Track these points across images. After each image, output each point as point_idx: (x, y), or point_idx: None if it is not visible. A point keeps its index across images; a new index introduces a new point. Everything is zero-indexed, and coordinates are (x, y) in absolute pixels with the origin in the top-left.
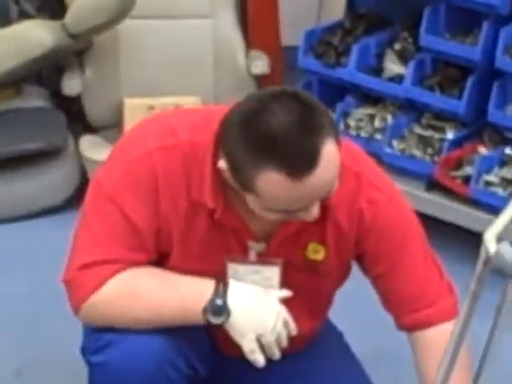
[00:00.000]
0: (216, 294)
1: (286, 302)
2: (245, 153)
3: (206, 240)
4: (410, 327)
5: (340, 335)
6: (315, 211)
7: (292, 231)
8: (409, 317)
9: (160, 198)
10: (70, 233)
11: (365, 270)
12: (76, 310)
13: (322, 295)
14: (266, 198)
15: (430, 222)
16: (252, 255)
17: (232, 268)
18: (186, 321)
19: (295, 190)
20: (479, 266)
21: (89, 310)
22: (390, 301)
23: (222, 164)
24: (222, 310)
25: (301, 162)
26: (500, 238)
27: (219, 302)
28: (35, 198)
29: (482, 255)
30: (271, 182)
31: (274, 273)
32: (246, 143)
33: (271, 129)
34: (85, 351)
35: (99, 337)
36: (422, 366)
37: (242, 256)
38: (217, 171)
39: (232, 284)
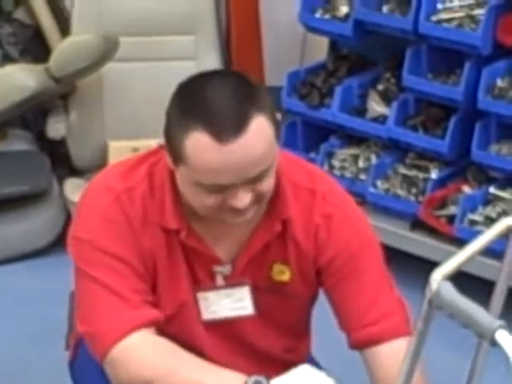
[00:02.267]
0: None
1: (257, 323)
2: (177, 116)
3: (174, 270)
4: (361, 344)
5: None
6: (245, 198)
7: (255, 250)
8: (358, 333)
9: (139, 236)
10: (52, 276)
11: (320, 284)
12: (102, 356)
13: (293, 316)
14: (195, 165)
15: (414, 261)
16: (219, 280)
17: (202, 297)
18: None
19: (221, 154)
20: (424, 305)
21: (119, 360)
22: (341, 316)
23: (161, 141)
24: None
25: (228, 125)
26: (447, 278)
27: None
28: (19, 241)
29: (427, 295)
30: (198, 143)
31: (244, 293)
32: (178, 106)
33: (205, 92)
34: None
35: None
36: (378, 382)
37: (210, 282)
38: (176, 194)
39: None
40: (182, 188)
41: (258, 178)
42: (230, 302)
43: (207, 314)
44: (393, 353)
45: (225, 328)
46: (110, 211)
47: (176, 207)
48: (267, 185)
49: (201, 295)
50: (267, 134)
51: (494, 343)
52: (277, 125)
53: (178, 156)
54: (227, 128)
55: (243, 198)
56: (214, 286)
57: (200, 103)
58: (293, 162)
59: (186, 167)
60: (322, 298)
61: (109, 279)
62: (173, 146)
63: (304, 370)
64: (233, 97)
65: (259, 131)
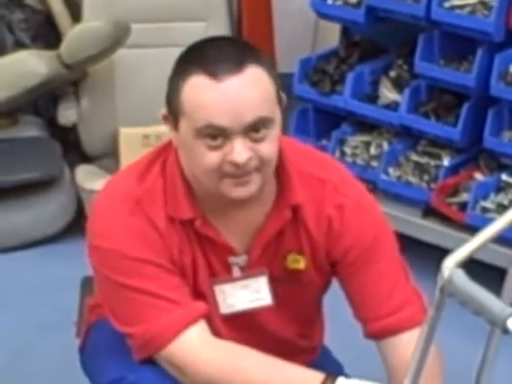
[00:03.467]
0: (324, 383)
1: (273, 311)
2: (175, 69)
3: (193, 263)
4: (378, 334)
5: (340, 367)
6: (243, 151)
7: (269, 238)
8: (376, 324)
9: (166, 237)
10: (63, 263)
11: (335, 274)
12: (159, 353)
13: (307, 303)
14: (191, 108)
15: (426, 248)
16: (236, 271)
17: (219, 290)
18: None
19: (216, 91)
20: (436, 292)
21: (182, 359)
22: (358, 305)
23: (163, 111)
24: None
25: (224, 65)
26: (459, 266)
27: None
28: (30, 227)
29: (439, 282)
30: (195, 85)
31: (261, 284)
32: (178, 61)
33: (204, 44)
34: None
35: (120, 377)
36: (392, 375)
37: (227, 275)
38: (188, 184)
39: (340, 380)
40: (185, 159)
41: (255, 129)
42: (248, 294)
43: (225, 308)
44: (410, 343)
45: (242, 319)
46: (133, 219)
47: (188, 197)
48: (267, 149)
49: (218, 288)
50: (265, 83)
51: (505, 331)
52: (279, 88)
53: (176, 110)
54: (223, 68)
55: (241, 152)
56: (231, 278)
57: (198, 51)
58: (302, 151)
59: (184, 119)
60: (335, 287)
61: (146, 285)
62: (172, 102)
63: None
64: (232, 46)
65: (256, 77)
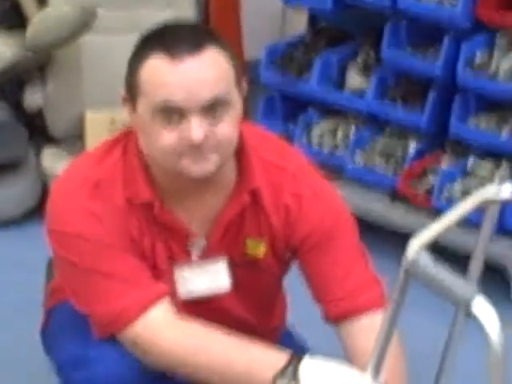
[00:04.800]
0: (289, 364)
1: (233, 296)
2: (135, 50)
3: (153, 247)
4: (337, 316)
5: (303, 350)
6: (200, 129)
7: (228, 222)
8: (333, 307)
9: (126, 219)
10: (30, 244)
11: (294, 259)
12: (123, 332)
13: (267, 287)
14: (149, 86)
15: (393, 234)
16: (194, 255)
17: (178, 274)
18: None
19: (173, 70)
20: (400, 274)
21: (146, 337)
22: (316, 290)
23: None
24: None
25: (182, 46)
26: (426, 248)
27: (290, 371)
28: None
29: (404, 264)
30: (153, 65)
31: (220, 269)
32: (138, 43)
33: (164, 27)
34: (62, 368)
35: (80, 354)
36: (353, 358)
37: (185, 259)
38: (146, 167)
39: (306, 359)
40: (143, 141)
41: (212, 109)
42: (206, 279)
43: (184, 293)
44: (369, 326)
45: (201, 304)
46: (92, 202)
47: (147, 180)
48: (224, 130)
49: (177, 273)
50: (223, 65)
51: (469, 314)
52: (239, 74)
53: (135, 90)
54: (181, 49)
55: (197, 130)
56: (189, 263)
57: (158, 33)
58: (264, 138)
59: (141, 99)
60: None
61: (107, 267)
62: (131, 82)
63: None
64: (192, 29)
65: (214, 59)
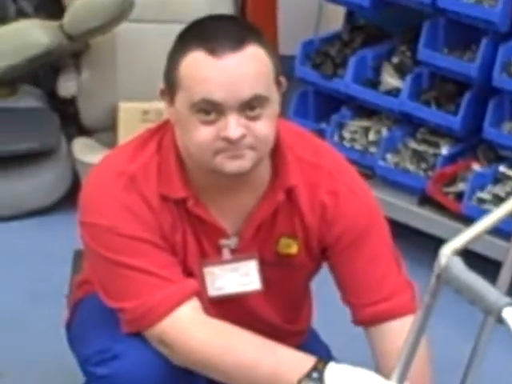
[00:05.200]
0: (315, 368)
1: (261, 296)
2: (176, 44)
3: (184, 243)
4: (368, 320)
5: (328, 351)
6: (237, 128)
7: (261, 221)
8: (366, 310)
9: (159, 215)
10: (58, 234)
11: (326, 259)
12: (150, 328)
13: (296, 287)
14: (189, 81)
15: (420, 236)
16: (226, 253)
17: (208, 271)
18: None
19: (214, 66)
20: (432, 279)
21: (174, 336)
22: (348, 291)
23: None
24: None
25: (224, 42)
26: (457, 254)
27: (315, 375)
28: (26, 198)
29: (436, 269)
30: (194, 60)
31: (251, 268)
32: (179, 36)
33: (205, 21)
34: (86, 362)
35: (105, 349)
36: (381, 362)
37: (217, 256)
38: (182, 163)
39: (331, 364)
40: (180, 135)
41: (251, 107)
42: (237, 277)
43: (213, 291)
44: (400, 330)
45: (230, 302)
46: (126, 195)
47: (182, 176)
48: (262, 128)
49: (207, 270)
50: (264, 63)
51: (500, 320)
52: (278, 71)
53: (174, 84)
54: (223, 45)
55: (235, 127)
56: (220, 260)
57: (199, 27)
58: (299, 135)
59: (180, 93)
60: (325, 270)
61: (138, 262)
62: (170, 76)
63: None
64: (233, 24)
65: (255, 56)
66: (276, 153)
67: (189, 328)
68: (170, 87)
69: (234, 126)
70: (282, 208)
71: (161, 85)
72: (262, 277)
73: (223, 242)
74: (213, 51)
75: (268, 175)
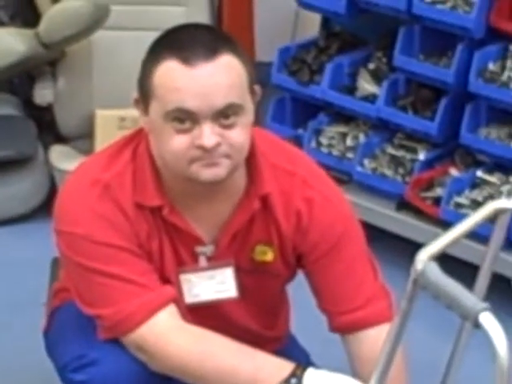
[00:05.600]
0: (293, 374)
1: (237, 303)
2: (149, 53)
3: (161, 251)
4: (345, 328)
5: (306, 356)
6: (212, 136)
7: (237, 228)
8: (342, 318)
9: (134, 223)
10: (35, 242)
11: (302, 267)
12: (128, 335)
13: (273, 294)
14: (162, 90)
15: (398, 241)
16: (202, 261)
17: (185, 279)
18: None
19: (187, 76)
20: (409, 284)
21: (151, 342)
22: (324, 299)
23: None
24: None
25: (198, 52)
26: (433, 259)
27: (294, 381)
28: (3, 206)
29: (412, 275)
30: (167, 69)
31: (227, 275)
32: (153, 45)
33: (178, 30)
34: (64, 368)
35: (82, 355)
36: (358, 368)
37: (193, 264)
38: (157, 171)
39: (310, 370)
40: (154, 144)
41: (225, 115)
42: (213, 285)
43: (190, 298)
44: (377, 338)
45: (207, 309)
46: (101, 204)
47: (157, 184)
48: (237, 136)
49: (184, 277)
50: (237, 71)
51: (477, 325)
52: (252, 79)
53: (148, 93)
54: (196, 54)
55: (209, 136)
56: (197, 268)
57: (173, 36)
58: (273, 143)
59: (154, 102)
60: (301, 276)
61: (115, 270)
62: (144, 85)
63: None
64: (207, 33)
65: (228, 65)
66: (251, 160)
67: (167, 334)
68: (144, 96)
69: (208, 134)
70: (258, 215)
71: (134, 94)
72: (238, 284)
73: (199, 249)
74: (186, 60)
75: (243, 183)
